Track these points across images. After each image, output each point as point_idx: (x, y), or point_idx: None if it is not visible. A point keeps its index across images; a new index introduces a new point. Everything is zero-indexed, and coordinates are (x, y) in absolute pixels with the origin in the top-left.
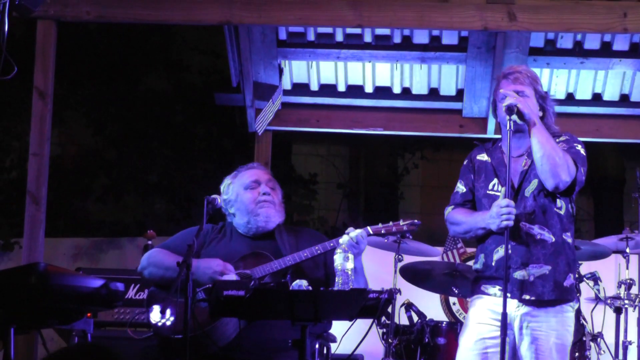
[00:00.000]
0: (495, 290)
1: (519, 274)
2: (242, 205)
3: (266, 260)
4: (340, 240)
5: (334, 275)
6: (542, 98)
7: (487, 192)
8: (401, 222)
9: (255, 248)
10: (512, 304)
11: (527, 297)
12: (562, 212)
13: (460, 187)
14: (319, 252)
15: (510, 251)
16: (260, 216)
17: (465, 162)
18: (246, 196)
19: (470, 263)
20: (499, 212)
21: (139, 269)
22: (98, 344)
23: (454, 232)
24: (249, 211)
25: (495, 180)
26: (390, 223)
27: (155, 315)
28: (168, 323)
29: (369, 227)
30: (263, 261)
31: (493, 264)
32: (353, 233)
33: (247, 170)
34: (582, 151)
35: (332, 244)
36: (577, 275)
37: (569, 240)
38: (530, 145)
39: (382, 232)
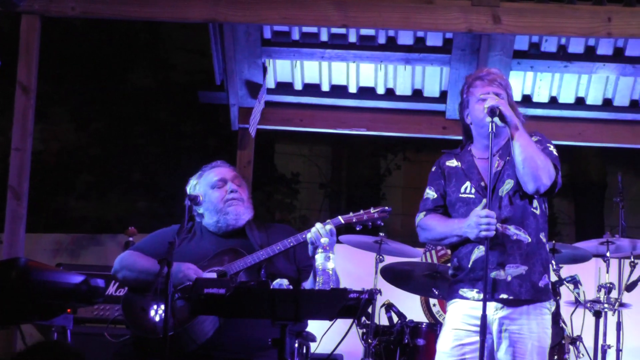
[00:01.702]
0: (473, 293)
1: (495, 274)
2: (211, 205)
3: (239, 256)
4: (313, 235)
5: (305, 269)
6: (511, 106)
7: (460, 195)
8: (372, 210)
9: (227, 245)
10: (491, 307)
11: (505, 296)
12: (537, 212)
13: (431, 193)
14: (291, 244)
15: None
16: (230, 214)
17: (433, 169)
18: (214, 195)
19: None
20: (478, 222)
21: (112, 272)
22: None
23: (425, 238)
24: (217, 210)
25: (468, 183)
26: (361, 211)
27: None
28: (158, 318)
29: (340, 217)
30: (237, 257)
31: (470, 265)
32: (321, 226)
33: (212, 169)
34: (555, 151)
35: (304, 236)
36: (557, 278)
37: (544, 240)
38: (501, 147)
39: (354, 220)
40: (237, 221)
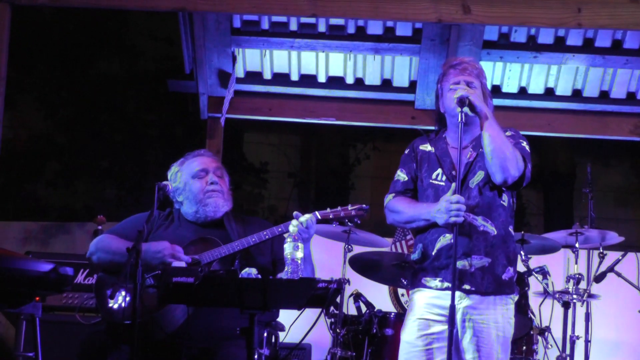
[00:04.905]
0: (436, 282)
1: (460, 264)
2: (191, 195)
3: (214, 245)
4: (291, 228)
5: (281, 261)
6: (484, 95)
7: (431, 181)
8: (349, 207)
9: (204, 235)
10: (455, 296)
11: (467, 287)
12: (505, 204)
13: (402, 176)
14: (267, 237)
15: (452, 240)
16: (209, 206)
17: (406, 151)
18: (194, 185)
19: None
20: (449, 207)
21: (88, 254)
22: None
23: (393, 220)
24: (197, 201)
25: (439, 170)
26: (339, 208)
27: (111, 301)
28: (124, 304)
29: (317, 212)
30: (211, 247)
31: (434, 253)
32: (302, 218)
33: (195, 158)
34: (527, 147)
35: (280, 229)
36: (525, 269)
37: (512, 233)
38: (475, 137)
39: (331, 217)
40: (216, 213)
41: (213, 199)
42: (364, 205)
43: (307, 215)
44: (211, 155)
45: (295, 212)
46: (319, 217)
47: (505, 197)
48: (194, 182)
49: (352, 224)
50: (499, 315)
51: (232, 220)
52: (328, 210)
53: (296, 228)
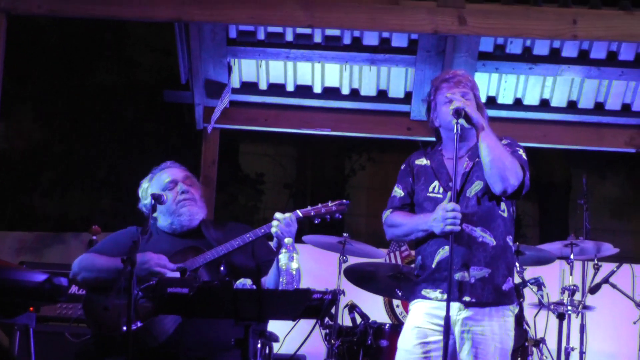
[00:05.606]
0: (437, 293)
1: (459, 275)
2: (164, 208)
3: (199, 252)
4: (272, 229)
5: (264, 264)
6: (479, 107)
7: (428, 194)
8: (330, 203)
9: (185, 244)
10: (454, 307)
11: (468, 298)
12: (505, 215)
13: (398, 191)
14: (250, 239)
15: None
16: (183, 215)
17: (403, 167)
18: (166, 197)
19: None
20: (444, 215)
21: (71, 275)
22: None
23: (392, 234)
24: (170, 212)
25: (436, 183)
26: (319, 205)
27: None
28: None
29: (298, 211)
30: (196, 254)
31: (434, 265)
32: (281, 216)
33: (162, 171)
34: (524, 155)
35: (262, 230)
36: (520, 280)
37: (510, 243)
38: (470, 147)
39: (312, 214)
40: (192, 221)
41: (187, 208)
42: (344, 200)
43: (286, 214)
44: (178, 165)
45: (275, 213)
46: (300, 215)
47: (504, 207)
48: (165, 194)
49: (335, 219)
50: (495, 327)
51: (210, 226)
52: (309, 207)
53: (277, 228)
